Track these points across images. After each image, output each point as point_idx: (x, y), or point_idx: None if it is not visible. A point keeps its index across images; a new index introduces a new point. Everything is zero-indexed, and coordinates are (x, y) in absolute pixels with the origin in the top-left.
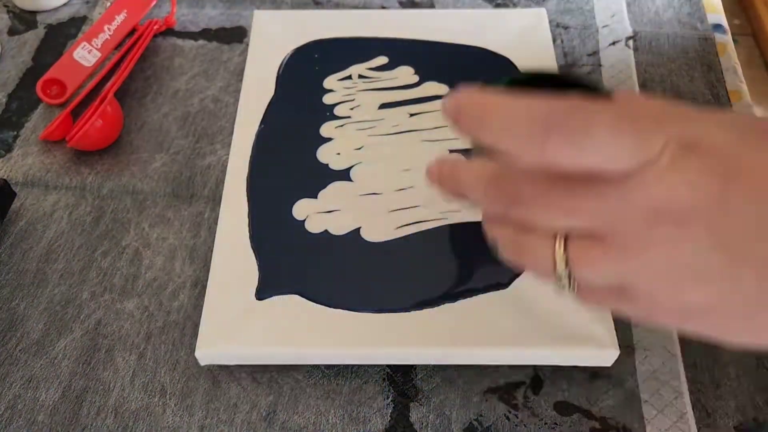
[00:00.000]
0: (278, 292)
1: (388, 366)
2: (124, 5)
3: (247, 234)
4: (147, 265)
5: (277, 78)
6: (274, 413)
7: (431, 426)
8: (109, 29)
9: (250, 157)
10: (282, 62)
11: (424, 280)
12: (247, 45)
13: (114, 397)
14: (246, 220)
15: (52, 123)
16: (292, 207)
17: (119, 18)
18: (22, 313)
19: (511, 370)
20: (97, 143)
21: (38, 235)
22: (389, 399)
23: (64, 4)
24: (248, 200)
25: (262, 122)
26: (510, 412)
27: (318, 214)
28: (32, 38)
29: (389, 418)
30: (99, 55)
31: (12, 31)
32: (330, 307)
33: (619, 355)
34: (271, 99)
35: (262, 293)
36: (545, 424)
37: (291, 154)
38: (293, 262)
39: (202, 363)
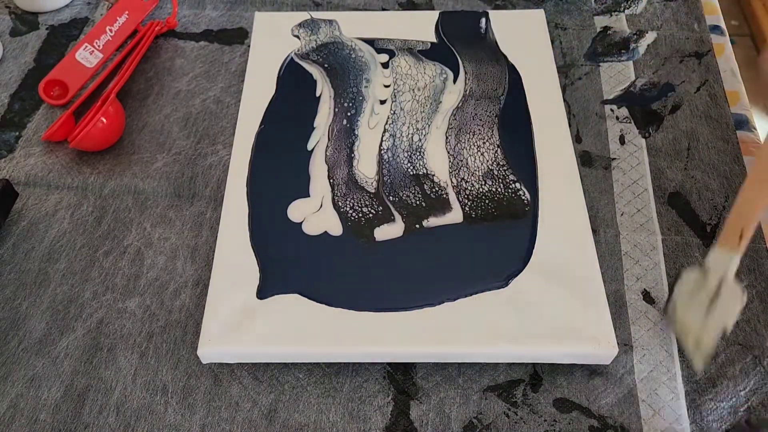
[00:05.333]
0: (279, 291)
1: (389, 364)
2: (126, 7)
3: (248, 234)
4: (149, 265)
5: (278, 79)
6: (275, 411)
7: (431, 424)
8: (110, 30)
9: (250, 158)
10: (283, 63)
11: (423, 279)
12: (248, 46)
13: (116, 395)
14: (247, 221)
15: (54, 124)
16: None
17: (121, 19)
18: (24, 312)
19: (510, 369)
20: (99, 144)
21: (40, 235)
22: (389, 397)
23: (66, 6)
24: (248, 201)
25: (262, 123)
26: (509, 410)
27: (314, 215)
28: (34, 39)
29: (389, 416)
30: (101, 56)
31: (14, 32)
32: (330, 306)
33: (618, 354)
34: (271, 99)
35: (263, 293)
36: (544, 421)
37: (290, 155)
38: (294, 262)
39: (205, 362)
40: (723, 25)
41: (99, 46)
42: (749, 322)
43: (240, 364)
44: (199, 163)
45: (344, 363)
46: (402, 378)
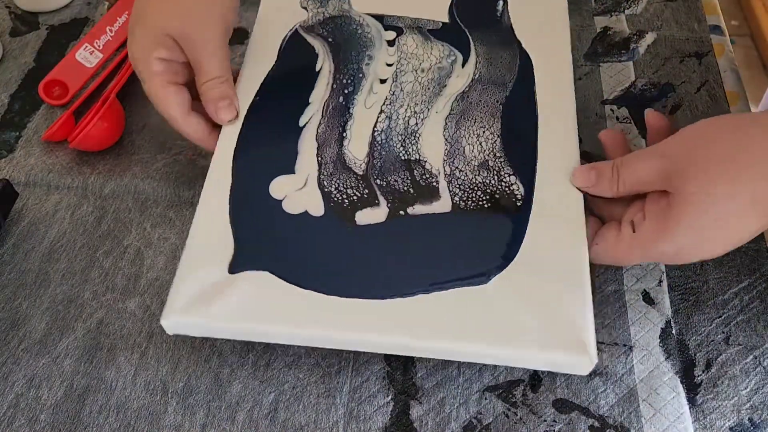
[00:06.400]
0: (251, 267)
1: (388, 364)
2: (126, 7)
3: (228, 208)
4: (149, 265)
5: (279, 51)
6: (275, 411)
7: (431, 424)
8: (110, 30)
9: (240, 129)
10: (286, 35)
11: (400, 268)
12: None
13: (116, 396)
14: (228, 194)
15: (54, 124)
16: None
17: (121, 19)
18: (24, 312)
19: (510, 369)
20: (99, 144)
21: (40, 235)
22: (389, 397)
23: (66, 6)
24: (232, 173)
25: (257, 94)
26: (509, 410)
27: (296, 192)
28: (34, 39)
29: (389, 416)
30: (101, 56)
31: (14, 32)
32: (301, 287)
33: (618, 354)
34: (269, 71)
35: (234, 267)
36: (544, 421)
37: (280, 130)
38: (269, 240)
39: (169, 332)
40: (723, 25)
41: (99, 46)
42: (749, 323)
43: (240, 363)
44: (200, 163)
45: (344, 363)
46: (402, 378)
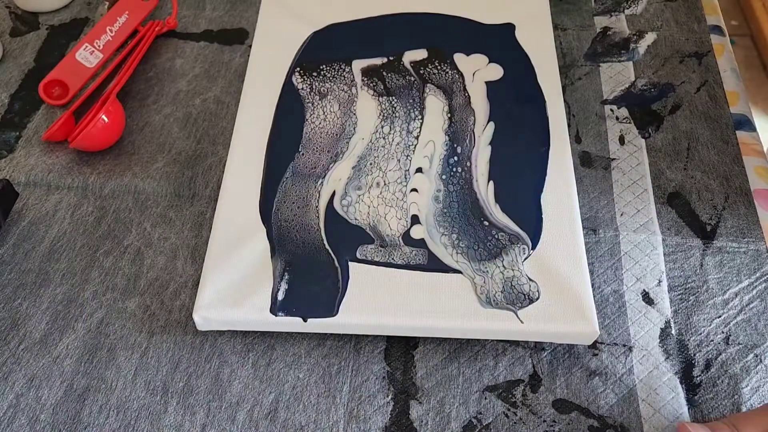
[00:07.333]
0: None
1: (388, 364)
2: (126, 7)
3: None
4: (149, 265)
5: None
6: (275, 411)
7: (431, 424)
8: (110, 30)
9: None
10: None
11: None
12: (249, 46)
13: (116, 395)
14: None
15: (54, 124)
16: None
17: (121, 20)
18: (24, 312)
19: (510, 369)
20: (100, 144)
21: (41, 235)
22: (389, 397)
23: (66, 6)
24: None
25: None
26: (509, 410)
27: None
28: (34, 39)
29: (389, 416)
30: (101, 56)
31: (14, 32)
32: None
33: (617, 354)
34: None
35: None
36: (544, 421)
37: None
38: None
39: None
40: (723, 25)
41: (99, 46)
42: (749, 322)
43: (241, 362)
44: (199, 163)
45: (344, 363)
46: (402, 378)
